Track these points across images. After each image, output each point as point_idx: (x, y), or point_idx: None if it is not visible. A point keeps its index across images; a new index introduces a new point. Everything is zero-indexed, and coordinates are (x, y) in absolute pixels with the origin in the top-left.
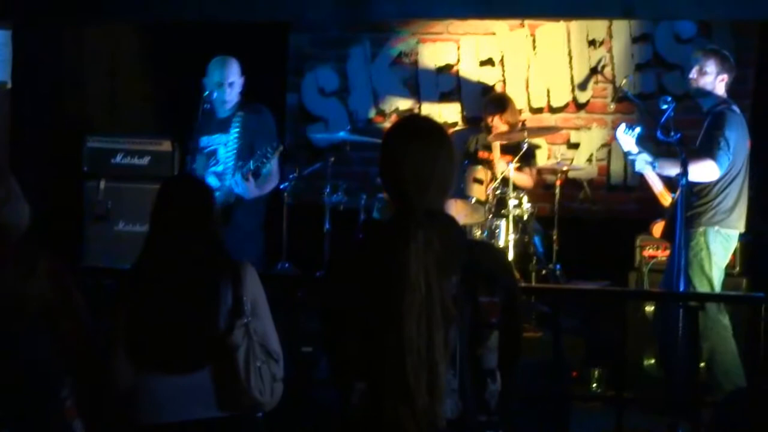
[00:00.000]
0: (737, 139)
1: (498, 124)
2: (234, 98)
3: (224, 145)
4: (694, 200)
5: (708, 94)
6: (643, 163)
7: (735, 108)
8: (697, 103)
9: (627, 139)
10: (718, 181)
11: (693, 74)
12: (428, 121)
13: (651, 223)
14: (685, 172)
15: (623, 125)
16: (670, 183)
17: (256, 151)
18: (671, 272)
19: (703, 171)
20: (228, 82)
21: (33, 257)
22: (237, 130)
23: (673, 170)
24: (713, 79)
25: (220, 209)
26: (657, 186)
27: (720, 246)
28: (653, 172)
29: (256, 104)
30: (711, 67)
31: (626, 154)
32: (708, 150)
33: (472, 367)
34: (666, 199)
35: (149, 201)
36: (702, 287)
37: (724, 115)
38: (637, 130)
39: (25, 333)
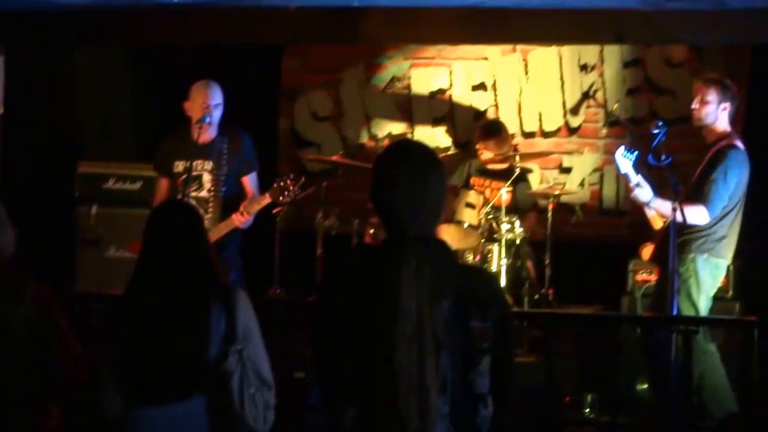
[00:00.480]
0: (737, 178)
1: (488, 150)
2: (217, 122)
3: (210, 172)
4: (687, 227)
5: (711, 126)
6: (644, 197)
7: (738, 143)
8: (701, 134)
9: (625, 162)
10: None
11: (695, 104)
12: (420, 146)
13: (640, 246)
14: (676, 197)
15: (622, 147)
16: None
17: (240, 176)
18: (659, 297)
19: (694, 215)
20: (214, 104)
21: (19, 282)
22: (224, 156)
23: (667, 210)
24: (715, 109)
25: None
26: (650, 210)
27: (709, 274)
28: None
29: (235, 129)
30: (712, 96)
31: (626, 179)
32: (703, 194)
33: (464, 392)
34: (657, 222)
35: (141, 226)
36: (688, 314)
37: (725, 155)
38: (636, 153)
39: (10, 358)
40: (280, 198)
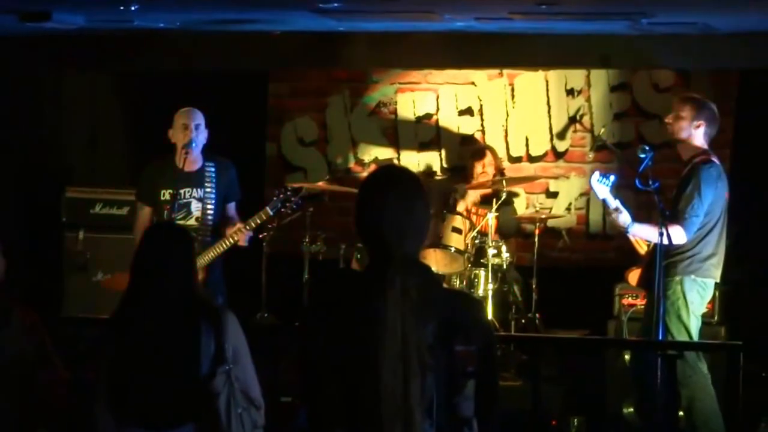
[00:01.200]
0: (713, 194)
1: (483, 169)
2: (201, 146)
3: (199, 200)
4: (672, 249)
5: (685, 141)
6: (623, 222)
7: (714, 159)
8: (676, 150)
9: (601, 188)
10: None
11: (668, 119)
12: (404, 171)
13: (626, 271)
14: (663, 222)
15: (597, 173)
16: None
17: (223, 202)
18: (648, 321)
19: (672, 237)
20: (195, 124)
21: (6, 307)
22: (213, 184)
23: (646, 235)
24: (688, 125)
25: None
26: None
27: (697, 294)
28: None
29: (221, 158)
30: (686, 112)
31: (605, 205)
32: (678, 213)
33: (449, 415)
34: (642, 247)
35: (129, 250)
36: (680, 336)
37: (699, 172)
38: (612, 178)
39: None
40: (282, 210)
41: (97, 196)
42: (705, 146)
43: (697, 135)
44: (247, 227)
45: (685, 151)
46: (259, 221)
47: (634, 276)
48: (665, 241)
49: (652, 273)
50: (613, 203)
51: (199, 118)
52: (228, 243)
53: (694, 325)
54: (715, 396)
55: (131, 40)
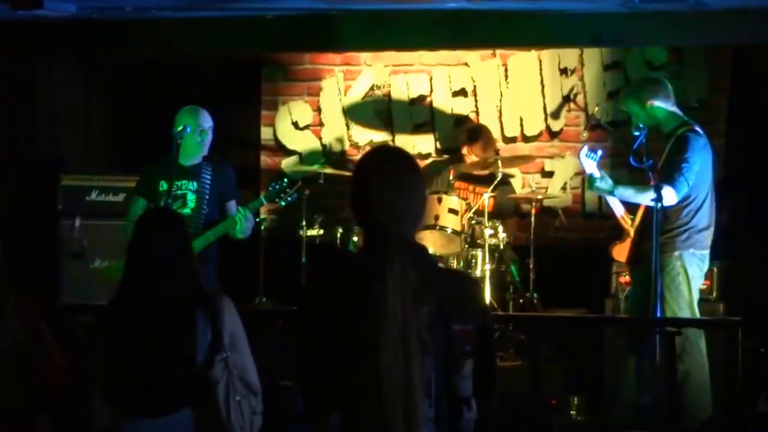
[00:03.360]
0: (701, 162)
1: (474, 154)
2: (207, 146)
3: (194, 192)
4: (667, 225)
5: (661, 119)
6: (604, 187)
7: (698, 129)
8: (659, 129)
9: (589, 162)
10: (688, 204)
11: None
12: (398, 151)
13: (610, 246)
14: (659, 198)
15: (585, 148)
16: (630, 206)
17: (222, 201)
18: (639, 299)
19: (663, 197)
20: (201, 127)
21: (2, 297)
22: (209, 178)
23: (631, 195)
24: (643, 112)
25: None
26: (618, 210)
27: (697, 268)
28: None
29: (220, 158)
30: (632, 108)
31: (589, 177)
32: (667, 176)
33: (448, 395)
34: (627, 222)
35: (125, 238)
36: (682, 311)
37: (688, 139)
38: (599, 153)
39: None
40: (276, 200)
41: (93, 183)
42: (681, 114)
43: (660, 111)
44: (243, 214)
45: (666, 125)
46: (252, 210)
47: (619, 251)
48: (650, 204)
49: (642, 249)
50: (598, 174)
51: (208, 121)
52: (222, 229)
53: (696, 298)
54: (708, 373)
55: (123, 26)
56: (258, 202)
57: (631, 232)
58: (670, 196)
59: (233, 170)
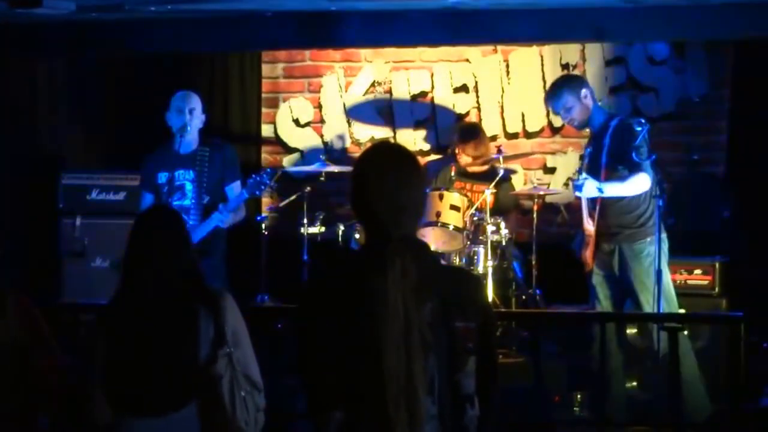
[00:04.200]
0: (647, 146)
1: (466, 154)
2: (197, 130)
3: (192, 181)
4: (627, 216)
5: (593, 112)
6: (592, 188)
7: (627, 118)
8: (588, 123)
9: (588, 188)
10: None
11: (565, 120)
12: (399, 147)
13: (581, 256)
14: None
15: (573, 188)
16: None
17: (224, 185)
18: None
19: (639, 184)
20: (189, 108)
21: (2, 295)
22: (206, 165)
23: (619, 190)
24: (579, 104)
25: None
26: (586, 214)
27: (666, 245)
28: (585, 199)
29: (216, 139)
30: (567, 99)
31: (573, 182)
32: (635, 164)
33: (450, 393)
34: (590, 224)
35: (126, 236)
36: (667, 293)
37: (631, 127)
38: (582, 174)
39: None
40: (256, 192)
41: (93, 182)
42: (605, 109)
43: (590, 102)
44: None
45: (594, 120)
46: (235, 203)
47: (588, 257)
48: (634, 192)
49: (603, 249)
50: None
51: (195, 102)
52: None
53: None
54: (697, 365)
55: (123, 23)
56: (240, 197)
57: (593, 235)
58: (645, 181)
59: (231, 151)
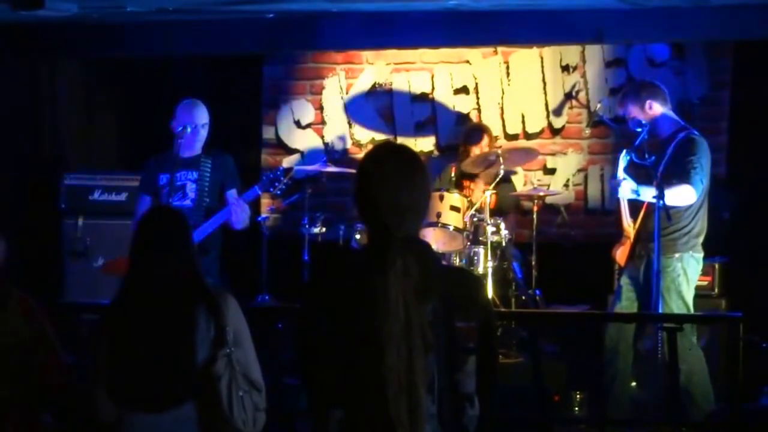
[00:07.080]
0: (709, 164)
1: (474, 153)
2: (203, 140)
3: (194, 181)
4: (669, 225)
5: (659, 121)
6: (628, 190)
7: (696, 132)
8: (655, 132)
9: (621, 163)
10: (689, 206)
11: (632, 126)
12: (403, 148)
13: (612, 249)
14: (660, 195)
15: (625, 150)
16: (633, 212)
17: (224, 190)
18: (628, 297)
19: (681, 196)
20: (201, 124)
21: (4, 294)
22: (208, 168)
23: (652, 194)
24: (642, 113)
25: None
26: (627, 218)
27: (694, 270)
28: (624, 200)
29: (219, 149)
30: (630, 108)
31: (612, 177)
32: (684, 175)
33: (451, 392)
34: (630, 227)
35: (128, 237)
36: (681, 311)
37: (695, 142)
38: (629, 157)
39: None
40: (270, 190)
41: (96, 182)
42: (677, 119)
43: (657, 110)
44: (237, 203)
45: (663, 130)
46: (246, 200)
47: (621, 254)
48: (674, 202)
49: (637, 250)
50: (622, 176)
51: (205, 117)
52: (220, 219)
53: (691, 300)
54: (707, 368)
55: (124, 25)
56: (252, 192)
57: (632, 236)
58: (689, 194)
59: (231, 160)
